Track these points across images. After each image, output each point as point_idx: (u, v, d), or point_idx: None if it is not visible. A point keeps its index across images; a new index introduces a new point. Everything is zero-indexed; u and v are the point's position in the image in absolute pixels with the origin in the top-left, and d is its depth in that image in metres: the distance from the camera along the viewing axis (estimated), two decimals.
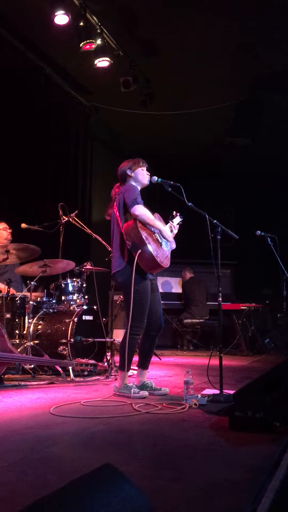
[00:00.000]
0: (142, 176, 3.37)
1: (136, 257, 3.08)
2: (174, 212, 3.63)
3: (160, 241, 3.27)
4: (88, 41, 5.32)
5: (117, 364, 3.47)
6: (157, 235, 3.28)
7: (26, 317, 4.23)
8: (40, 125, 6.27)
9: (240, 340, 6.56)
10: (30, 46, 5.90)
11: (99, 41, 5.43)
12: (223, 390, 2.94)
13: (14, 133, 5.70)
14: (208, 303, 7.58)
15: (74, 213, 4.69)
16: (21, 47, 5.84)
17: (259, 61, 6.15)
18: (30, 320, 4.19)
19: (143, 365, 3.35)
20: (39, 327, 4.31)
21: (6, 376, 3.79)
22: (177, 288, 8.26)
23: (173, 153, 8.99)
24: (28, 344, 4.01)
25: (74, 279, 4.52)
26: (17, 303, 4.25)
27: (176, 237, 3.51)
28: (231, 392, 2.76)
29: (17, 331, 4.25)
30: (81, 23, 5.18)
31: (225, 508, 1.35)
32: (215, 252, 3.09)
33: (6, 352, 3.38)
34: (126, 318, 3.25)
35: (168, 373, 4.45)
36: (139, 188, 3.33)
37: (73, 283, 4.49)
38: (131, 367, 3.43)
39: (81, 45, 5.33)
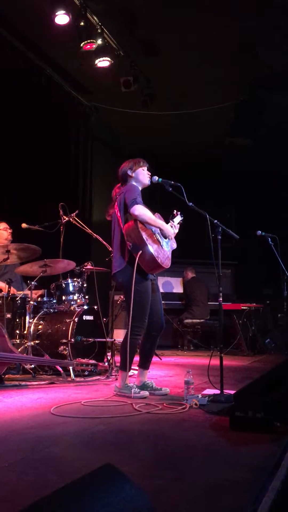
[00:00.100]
0: (142, 176, 3.37)
1: (137, 258, 3.08)
2: (175, 211, 3.62)
3: (160, 241, 3.27)
4: (88, 41, 5.32)
5: (118, 364, 3.47)
6: (158, 236, 3.28)
7: (27, 317, 4.22)
8: (41, 125, 6.27)
9: (241, 340, 6.55)
10: (30, 46, 5.90)
11: (99, 41, 5.43)
12: (224, 390, 2.94)
13: (14, 133, 5.70)
14: (208, 303, 7.57)
15: (74, 213, 4.69)
16: (22, 47, 5.85)
17: (259, 61, 6.15)
18: (30, 320, 4.19)
19: (144, 365, 3.36)
20: (40, 327, 4.31)
21: (6, 376, 3.79)
22: (178, 288, 8.25)
23: (174, 153, 8.99)
24: (29, 344, 4.01)
25: (75, 279, 4.52)
26: (18, 303, 4.26)
27: (176, 237, 3.50)
28: (232, 392, 2.76)
29: (17, 331, 4.25)
30: (82, 23, 5.18)
31: (225, 508, 1.35)
32: (216, 252, 3.09)
33: (6, 352, 3.38)
34: (126, 318, 3.25)
35: (168, 373, 4.45)
36: (140, 188, 3.33)
37: (73, 283, 4.49)
38: (132, 367, 3.43)
39: (81, 45, 5.33)
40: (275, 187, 9.03)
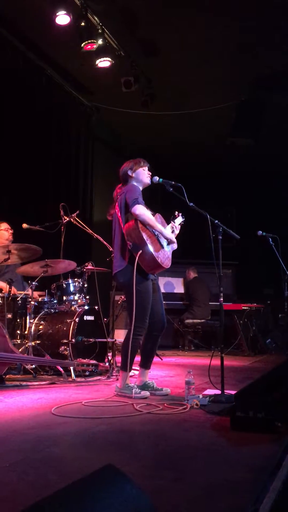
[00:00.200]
0: (143, 176, 3.37)
1: (137, 258, 3.08)
2: (176, 212, 3.61)
3: (161, 241, 3.27)
4: (89, 41, 5.32)
5: (119, 364, 3.47)
6: (158, 236, 3.27)
7: (28, 317, 4.23)
8: (41, 125, 6.27)
9: (242, 340, 6.55)
10: (31, 46, 5.90)
11: (100, 41, 5.43)
12: (225, 390, 2.94)
13: (15, 133, 5.70)
14: (209, 303, 7.57)
15: (75, 213, 4.69)
16: (22, 47, 5.85)
17: (259, 61, 6.15)
18: (31, 320, 4.19)
19: (145, 365, 3.36)
20: (41, 327, 4.32)
21: (7, 376, 3.79)
22: (179, 288, 8.25)
23: (174, 153, 8.98)
24: (30, 344, 4.01)
25: (76, 279, 4.52)
26: (19, 303, 4.26)
27: (177, 238, 3.49)
28: (233, 392, 2.76)
29: (18, 331, 4.26)
30: (82, 23, 5.18)
31: (226, 508, 1.35)
32: (217, 252, 3.09)
33: (7, 352, 3.39)
34: (127, 318, 3.25)
35: (169, 373, 4.45)
36: (141, 188, 3.34)
37: (74, 283, 4.49)
38: (133, 367, 3.43)
39: (82, 45, 5.33)
40: (276, 187, 9.03)
